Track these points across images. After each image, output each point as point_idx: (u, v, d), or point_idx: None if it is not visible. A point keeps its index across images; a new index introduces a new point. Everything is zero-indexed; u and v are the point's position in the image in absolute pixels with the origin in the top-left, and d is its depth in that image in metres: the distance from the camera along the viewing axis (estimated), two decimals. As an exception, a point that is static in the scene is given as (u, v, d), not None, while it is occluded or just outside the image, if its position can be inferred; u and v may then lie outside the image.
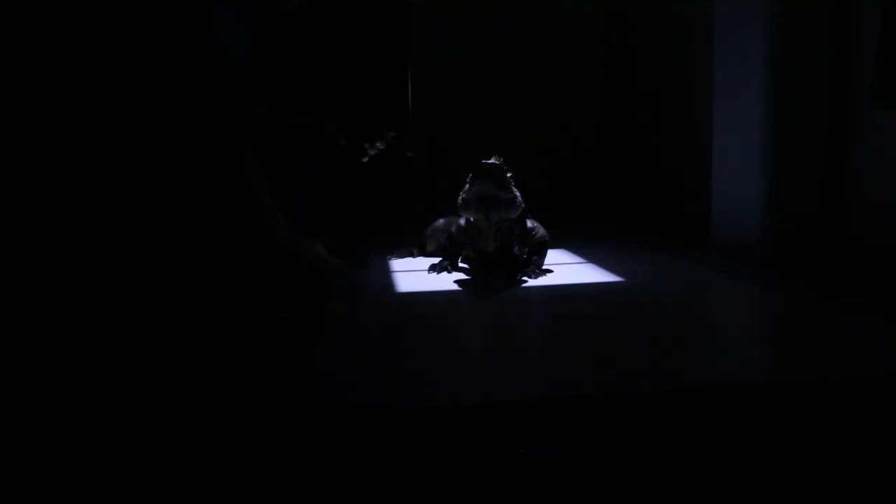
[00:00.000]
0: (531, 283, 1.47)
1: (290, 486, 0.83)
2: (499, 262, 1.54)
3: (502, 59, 2.55)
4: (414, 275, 1.58)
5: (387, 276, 1.57)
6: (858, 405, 0.86)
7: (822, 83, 1.50)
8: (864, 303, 1.30)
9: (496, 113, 2.55)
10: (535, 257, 1.55)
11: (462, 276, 1.56)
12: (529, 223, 1.55)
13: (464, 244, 1.58)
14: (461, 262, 1.65)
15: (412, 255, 1.80)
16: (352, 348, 1.08)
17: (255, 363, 1.25)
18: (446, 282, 1.50)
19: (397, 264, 1.72)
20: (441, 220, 1.75)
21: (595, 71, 2.61)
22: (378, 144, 1.63)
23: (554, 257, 1.69)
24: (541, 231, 1.57)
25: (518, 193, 1.45)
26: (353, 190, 1.89)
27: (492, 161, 1.40)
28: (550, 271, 1.55)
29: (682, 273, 1.60)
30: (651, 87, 2.29)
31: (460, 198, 1.42)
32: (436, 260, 1.63)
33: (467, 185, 1.41)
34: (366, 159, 1.63)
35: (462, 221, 1.54)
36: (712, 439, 0.84)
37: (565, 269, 1.61)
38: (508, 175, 1.44)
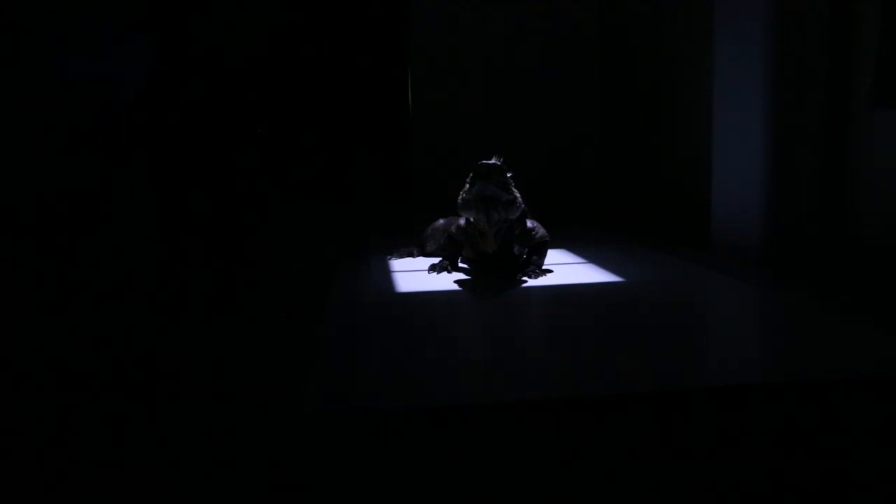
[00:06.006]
0: (531, 283, 1.47)
1: (291, 487, 0.83)
2: (499, 263, 1.54)
3: (502, 59, 2.55)
4: (414, 275, 1.58)
5: (387, 276, 1.57)
6: (858, 405, 0.86)
7: (821, 83, 1.50)
8: (864, 303, 1.30)
9: (496, 113, 2.55)
10: (535, 257, 1.55)
11: (462, 276, 1.56)
12: (529, 223, 1.54)
13: (464, 244, 1.58)
14: (461, 262, 1.65)
15: (412, 255, 1.79)
16: (352, 348, 1.08)
17: (255, 363, 1.26)
18: (446, 282, 1.50)
19: (397, 264, 1.72)
20: (441, 220, 1.75)
21: (595, 71, 2.61)
22: None
23: (554, 257, 1.69)
24: (541, 231, 1.57)
25: (518, 194, 1.45)
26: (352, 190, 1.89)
27: (492, 161, 1.40)
28: (550, 271, 1.55)
29: (682, 273, 1.60)
30: (651, 87, 2.29)
31: (460, 198, 1.42)
32: (436, 260, 1.63)
33: (467, 186, 1.41)
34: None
35: (462, 221, 1.54)
36: (712, 439, 0.84)
37: (565, 269, 1.61)
38: (509, 175, 1.44)
